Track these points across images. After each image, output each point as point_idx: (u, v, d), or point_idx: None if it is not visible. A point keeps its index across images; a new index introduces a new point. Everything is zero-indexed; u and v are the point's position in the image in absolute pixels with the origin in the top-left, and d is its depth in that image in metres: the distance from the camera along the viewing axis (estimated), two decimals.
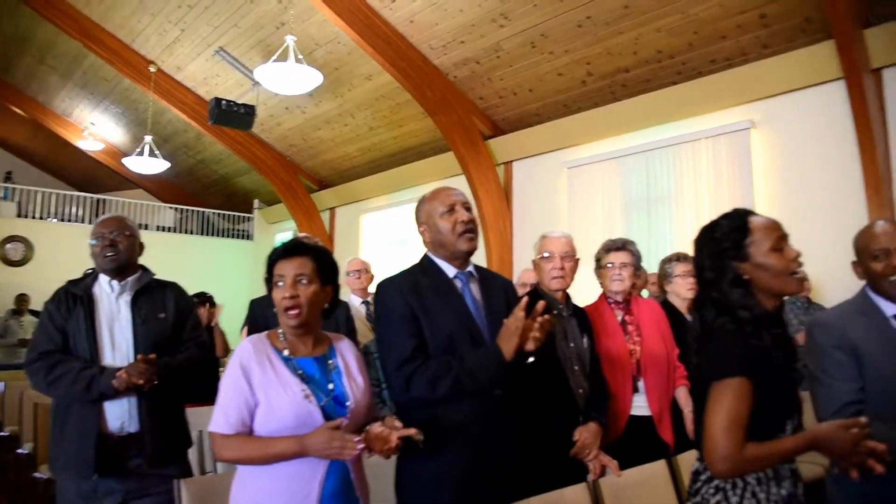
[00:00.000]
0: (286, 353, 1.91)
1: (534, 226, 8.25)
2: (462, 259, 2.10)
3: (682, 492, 2.55)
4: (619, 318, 2.88)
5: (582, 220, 7.69)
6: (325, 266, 1.95)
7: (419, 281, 2.08)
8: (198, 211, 13.44)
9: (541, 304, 1.89)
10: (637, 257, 2.96)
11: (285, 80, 6.63)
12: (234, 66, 8.98)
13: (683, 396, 2.86)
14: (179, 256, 11.41)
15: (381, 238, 10.50)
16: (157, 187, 14.19)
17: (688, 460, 2.63)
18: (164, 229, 13.30)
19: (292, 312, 1.86)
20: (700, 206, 6.73)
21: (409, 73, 7.74)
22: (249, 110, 9.02)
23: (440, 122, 8.10)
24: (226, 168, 12.56)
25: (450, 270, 2.11)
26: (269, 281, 1.94)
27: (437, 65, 7.90)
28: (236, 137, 10.49)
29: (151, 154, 10.05)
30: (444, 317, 2.01)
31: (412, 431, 1.75)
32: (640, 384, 2.74)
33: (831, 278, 5.91)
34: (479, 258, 8.40)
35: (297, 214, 11.45)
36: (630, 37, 6.69)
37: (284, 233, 12.86)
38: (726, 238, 1.58)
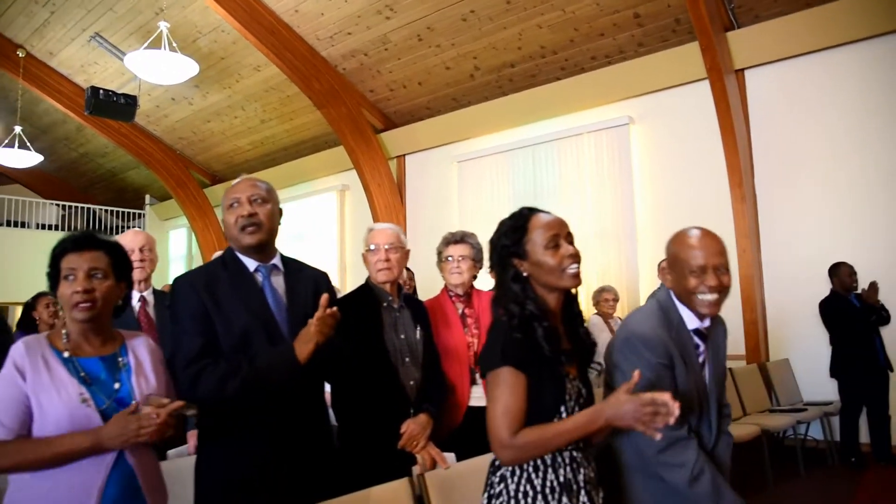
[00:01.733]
0: (66, 353, 1.77)
1: (427, 220, 8.25)
2: (260, 252, 2.02)
3: None
4: (460, 310, 2.86)
5: (472, 214, 7.73)
6: (119, 262, 1.83)
7: (217, 275, 1.98)
8: (84, 207, 12.67)
9: (324, 298, 1.84)
10: (477, 250, 2.95)
11: (158, 69, 6.31)
12: (112, 53, 8.49)
13: None
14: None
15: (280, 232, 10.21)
16: (37, 182, 13.28)
17: None
18: (46, 227, 12.46)
19: (83, 306, 1.73)
20: (584, 199, 6.90)
21: (295, 64, 7.54)
22: (131, 101, 8.52)
23: (329, 115, 7.95)
24: (113, 162, 11.91)
25: (251, 263, 2.02)
26: (54, 275, 1.79)
27: (324, 56, 7.74)
28: (120, 129, 9.95)
29: (22, 146, 9.37)
30: (239, 312, 1.91)
31: (179, 404, 1.66)
32: (479, 376, 2.74)
33: None
34: None
35: (189, 210, 10.99)
36: (513, 32, 6.76)
37: (178, 229, 12.34)
38: (506, 236, 1.60)
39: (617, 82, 6.76)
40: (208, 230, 11.07)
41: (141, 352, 1.87)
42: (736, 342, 5.90)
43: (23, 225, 11.99)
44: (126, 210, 12.91)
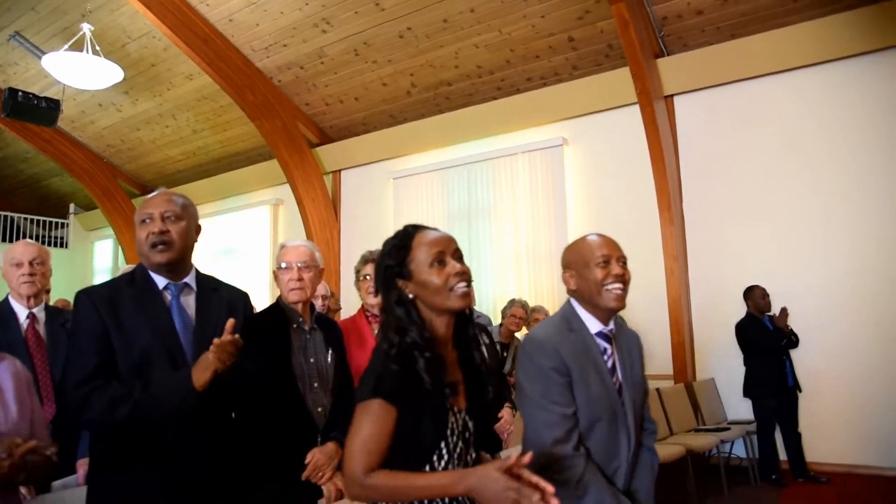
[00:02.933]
0: None
1: (362, 236, 8.13)
2: (172, 270, 1.91)
3: None
4: (376, 331, 2.78)
5: None
6: None
7: (122, 292, 1.87)
8: (3, 215, 11.99)
9: (229, 323, 1.75)
10: None
11: (79, 73, 6.02)
12: (33, 53, 8.09)
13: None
14: None
15: (207, 247, 9.89)
16: None
17: None
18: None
19: None
20: (518, 219, 6.92)
21: (228, 74, 7.35)
22: (53, 104, 8.12)
23: (263, 128, 7.76)
24: (34, 168, 11.34)
25: (160, 281, 1.92)
26: None
27: (259, 67, 7.58)
28: (42, 134, 9.48)
29: None
30: (141, 332, 1.81)
31: (31, 445, 1.52)
32: None
33: (633, 283, 6.26)
34: None
35: (115, 221, 10.54)
36: (450, 50, 6.77)
37: (104, 240, 11.82)
38: (390, 256, 1.50)
39: (551, 104, 6.84)
40: (135, 241, 10.62)
41: (2, 377, 1.72)
42: (664, 362, 6.00)
43: None
44: (49, 219, 12.29)
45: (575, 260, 1.90)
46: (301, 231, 8.27)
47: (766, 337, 5.26)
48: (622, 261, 1.87)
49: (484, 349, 1.63)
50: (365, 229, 8.17)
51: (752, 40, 5.76)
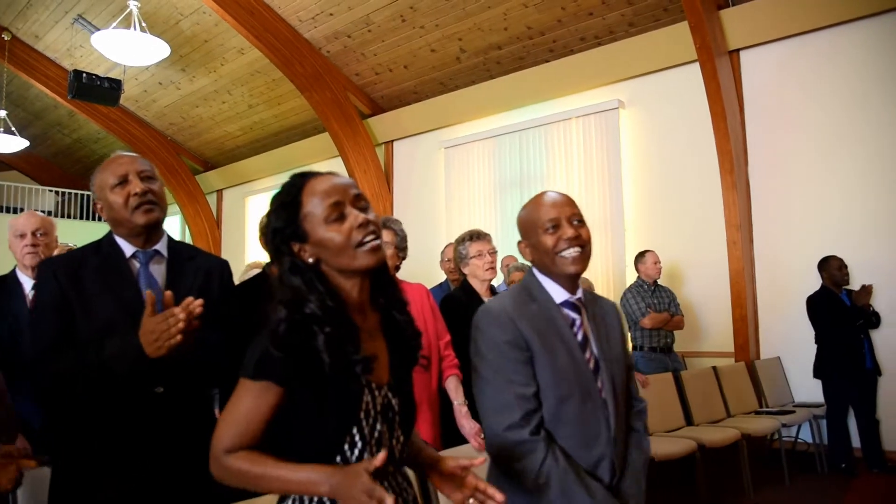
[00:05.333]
0: None
1: (414, 208, 8.00)
2: (144, 235, 1.79)
3: (428, 493, 2.29)
4: None
5: (458, 201, 7.47)
6: None
7: (87, 261, 1.77)
8: (79, 194, 12.58)
9: (168, 295, 1.57)
10: (400, 237, 2.70)
11: (127, 49, 6.11)
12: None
13: (453, 387, 2.62)
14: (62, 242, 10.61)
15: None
16: (32, 168, 13.21)
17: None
18: (43, 213, 12.38)
19: None
20: (570, 186, 6.60)
21: (277, 46, 7.30)
22: (115, 85, 8.34)
23: (312, 100, 7.71)
24: (105, 148, 11.76)
25: (128, 249, 1.80)
26: None
27: (307, 38, 7.49)
28: (110, 115, 9.79)
29: (7, 131, 9.25)
30: (105, 302, 1.71)
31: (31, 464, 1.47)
32: None
33: (692, 254, 5.89)
34: None
35: (180, 197, 10.84)
36: (499, 12, 6.46)
37: (172, 217, 12.20)
38: (277, 216, 1.25)
39: (607, 64, 6.43)
40: (199, 217, 10.92)
41: None
42: (724, 339, 5.61)
43: (19, 210, 11.94)
44: None
45: (526, 228, 1.69)
46: None
47: (841, 313, 4.78)
48: (575, 219, 1.64)
49: (408, 309, 1.37)
50: (417, 201, 8.03)
51: None
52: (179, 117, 9.92)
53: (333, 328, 1.18)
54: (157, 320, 1.54)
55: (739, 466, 4.24)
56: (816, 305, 4.89)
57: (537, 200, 1.69)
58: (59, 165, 13.15)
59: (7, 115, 9.49)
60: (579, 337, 1.63)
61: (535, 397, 1.55)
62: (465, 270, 3.13)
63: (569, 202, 1.67)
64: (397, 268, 2.68)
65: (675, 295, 5.36)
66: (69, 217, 12.44)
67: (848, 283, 4.93)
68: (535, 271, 1.69)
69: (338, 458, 1.19)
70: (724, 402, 4.86)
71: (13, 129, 9.41)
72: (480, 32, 6.77)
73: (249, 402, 1.16)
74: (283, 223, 1.23)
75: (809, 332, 5.00)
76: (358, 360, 1.19)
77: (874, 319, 4.80)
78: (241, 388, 1.17)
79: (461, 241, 3.14)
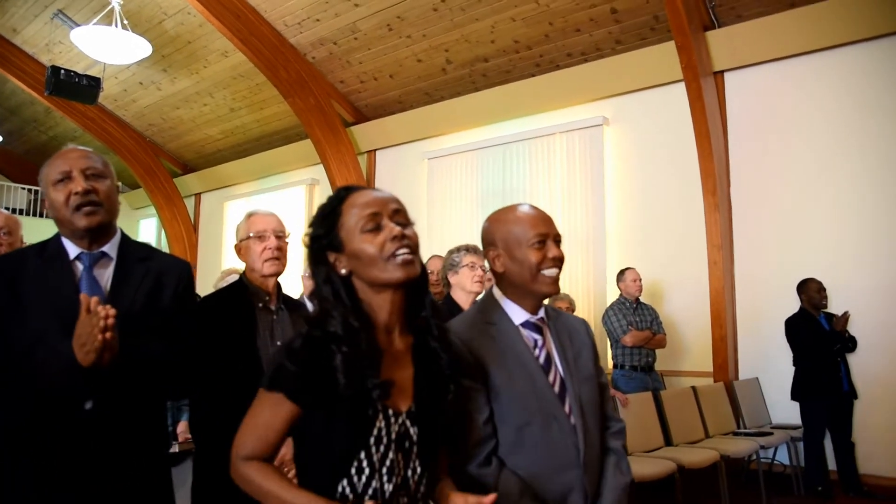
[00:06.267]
0: None
1: None
2: (88, 237, 1.67)
3: None
4: None
5: (440, 213, 7.41)
6: None
7: (28, 263, 1.64)
8: None
9: (92, 301, 1.44)
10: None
11: (107, 47, 5.98)
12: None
13: None
14: (32, 242, 10.35)
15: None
16: (5, 165, 12.91)
17: None
18: (14, 212, 12.09)
19: None
20: (553, 201, 6.58)
21: (261, 50, 7.21)
22: (94, 82, 8.16)
23: (296, 106, 7.62)
24: (83, 146, 11.56)
25: (73, 250, 1.67)
26: None
27: (293, 43, 7.42)
28: (87, 113, 9.60)
29: None
30: (41, 308, 1.57)
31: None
32: None
33: (673, 272, 5.89)
34: None
35: (157, 199, 10.64)
36: (486, 24, 6.45)
37: (149, 219, 11.99)
38: (318, 224, 1.26)
39: (592, 81, 6.44)
40: (176, 220, 10.72)
41: None
42: (704, 358, 5.60)
43: None
44: None
45: (504, 238, 1.57)
46: None
47: (819, 336, 4.80)
48: (558, 239, 1.59)
49: (449, 336, 1.33)
50: None
51: (814, 9, 5.22)
52: (159, 118, 9.75)
53: (352, 348, 1.15)
54: (83, 323, 1.44)
55: (718, 488, 4.21)
56: (795, 328, 4.90)
57: (520, 213, 1.59)
58: (33, 162, 12.83)
59: None
60: (541, 359, 1.54)
61: (485, 425, 1.46)
62: (453, 279, 3.04)
63: (552, 221, 1.62)
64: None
65: (658, 313, 5.35)
66: (42, 216, 12.12)
67: (826, 306, 4.96)
68: (496, 291, 1.61)
69: (344, 482, 1.16)
70: (702, 423, 4.83)
71: None
72: (467, 44, 6.75)
73: (266, 413, 1.18)
74: (323, 231, 1.24)
75: (788, 354, 5.02)
76: (375, 384, 1.15)
77: (850, 345, 4.82)
78: (259, 397, 1.20)
79: (457, 249, 3.05)
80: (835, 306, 5.00)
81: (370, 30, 6.91)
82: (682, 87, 5.61)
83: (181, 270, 1.82)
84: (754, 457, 4.71)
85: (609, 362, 5.33)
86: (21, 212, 12.21)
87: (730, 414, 5.12)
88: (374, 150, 8.25)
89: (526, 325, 1.56)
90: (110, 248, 1.72)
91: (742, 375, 5.55)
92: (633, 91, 6.29)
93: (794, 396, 4.90)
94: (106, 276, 1.69)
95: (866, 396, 4.87)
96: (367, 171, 8.27)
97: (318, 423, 1.15)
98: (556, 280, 1.55)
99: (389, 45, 7.05)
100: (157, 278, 1.74)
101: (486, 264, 3.08)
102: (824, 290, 4.95)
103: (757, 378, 5.48)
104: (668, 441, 4.54)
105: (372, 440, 1.16)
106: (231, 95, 8.69)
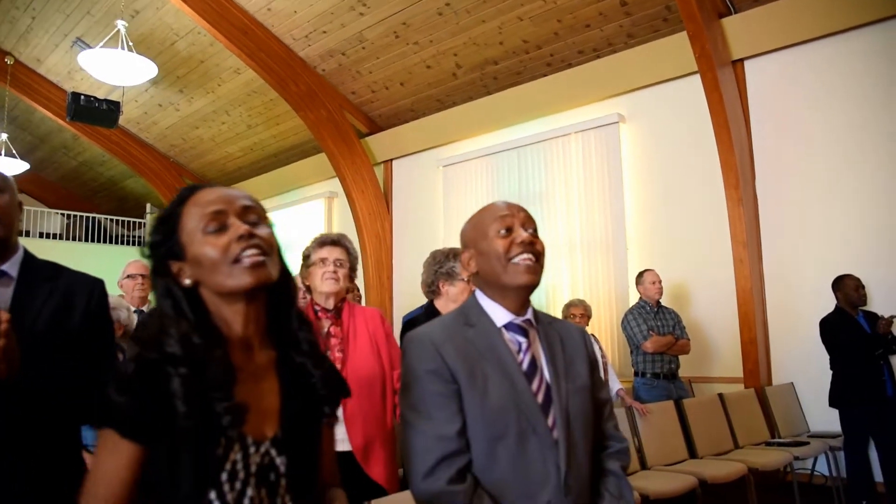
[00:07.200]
0: None
1: (414, 228, 7.80)
2: None
3: None
4: (325, 328, 2.38)
5: (457, 221, 7.19)
6: None
7: None
8: (87, 216, 12.56)
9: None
10: (353, 257, 2.48)
11: (113, 69, 6.01)
12: None
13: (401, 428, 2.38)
14: (68, 265, 10.55)
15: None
16: (40, 191, 13.24)
17: (402, 501, 2.14)
18: (50, 236, 12.38)
19: None
20: (570, 203, 6.35)
21: (270, 66, 7.19)
22: (113, 107, 8.28)
23: (308, 119, 7.57)
24: (111, 171, 11.78)
25: None
26: None
27: (302, 57, 7.37)
28: (111, 137, 9.77)
29: (9, 154, 9.24)
30: None
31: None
32: (339, 411, 2.24)
33: (697, 273, 5.60)
34: None
35: None
36: (493, 25, 6.28)
37: None
38: (155, 231, 1.08)
39: (606, 77, 6.20)
40: None
41: None
42: (734, 363, 5.27)
43: (26, 234, 11.92)
44: (129, 219, 12.78)
45: (472, 236, 1.47)
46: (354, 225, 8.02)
47: (858, 338, 4.42)
48: (530, 227, 1.44)
49: (320, 350, 1.16)
50: (416, 221, 7.82)
51: None
52: (180, 139, 9.85)
53: (192, 369, 0.97)
54: None
55: (746, 503, 3.90)
56: (831, 328, 4.53)
57: (487, 206, 1.50)
58: (65, 188, 13.19)
59: (8, 138, 9.50)
60: (525, 364, 1.39)
61: (459, 437, 1.31)
62: (444, 288, 2.81)
63: (523, 209, 1.48)
64: (347, 290, 2.45)
65: (681, 317, 5.05)
66: (76, 240, 12.40)
67: (865, 304, 4.59)
68: (477, 293, 1.48)
69: None
70: (731, 433, 4.52)
71: (14, 152, 9.40)
72: (476, 47, 6.59)
73: (104, 457, 0.97)
74: (161, 237, 1.06)
75: (825, 357, 4.66)
76: (225, 409, 0.97)
77: (895, 347, 4.45)
78: (99, 440, 0.99)
79: (454, 255, 2.78)
80: (875, 304, 4.64)
81: (377, 38, 6.81)
82: (699, 78, 5.33)
83: (92, 288, 1.69)
84: (789, 468, 4.37)
85: (630, 370, 5.05)
86: (56, 236, 12.50)
87: (762, 422, 4.78)
88: (391, 160, 8.14)
89: (509, 326, 1.42)
90: (10, 266, 1.61)
91: (776, 381, 5.21)
92: (649, 86, 6.03)
93: (832, 403, 4.53)
94: (6, 295, 1.57)
95: None
96: (383, 181, 8.17)
97: (162, 461, 0.97)
98: (530, 268, 1.39)
99: (397, 53, 6.94)
100: (64, 297, 1.62)
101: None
102: (863, 286, 4.57)
103: (792, 383, 5.13)
104: (693, 454, 4.25)
105: (225, 476, 0.98)
106: (247, 112, 8.71)
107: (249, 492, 1.00)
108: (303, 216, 9.12)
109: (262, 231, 1.05)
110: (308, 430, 1.10)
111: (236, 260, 1.01)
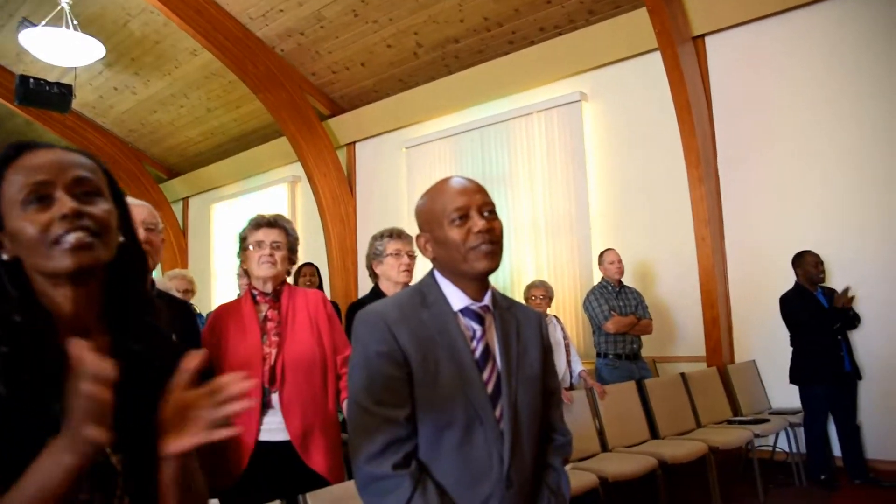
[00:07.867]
0: None
1: (379, 211, 7.66)
2: None
3: None
4: (263, 313, 2.27)
5: None
6: None
7: None
8: None
9: None
10: (292, 238, 2.37)
11: (56, 49, 5.75)
12: None
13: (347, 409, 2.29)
14: None
15: (235, 228, 9.66)
16: None
17: (344, 491, 2.05)
18: None
19: None
20: (534, 183, 6.27)
21: (227, 46, 6.95)
22: (65, 90, 7.95)
23: (267, 101, 7.36)
24: None
25: None
26: None
27: (259, 37, 7.15)
28: (66, 122, 9.43)
29: None
30: None
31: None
32: (275, 398, 2.14)
33: (661, 252, 5.58)
34: (319, 245, 7.74)
35: None
36: (454, 3, 6.14)
37: None
38: None
39: (568, 55, 6.11)
40: (165, 226, 10.54)
41: None
42: (697, 342, 5.26)
43: None
44: None
45: (427, 220, 1.42)
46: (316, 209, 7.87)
47: (817, 314, 4.43)
48: (486, 209, 1.37)
49: (160, 336, 1.04)
50: (381, 204, 7.68)
51: None
52: (139, 123, 9.55)
53: (14, 348, 0.85)
54: None
55: (705, 483, 3.89)
56: (790, 304, 4.54)
57: (441, 187, 1.43)
58: None
59: None
60: (478, 352, 1.35)
61: (407, 422, 1.27)
62: (378, 269, 2.80)
63: (479, 189, 1.41)
64: (288, 272, 2.34)
65: (643, 296, 5.01)
66: None
67: (824, 281, 4.60)
68: (436, 273, 1.42)
69: None
70: (693, 412, 4.51)
71: None
72: (436, 25, 6.44)
73: None
74: None
75: (787, 334, 4.66)
76: (55, 397, 0.83)
77: (856, 323, 4.46)
78: None
79: (379, 236, 2.81)
80: (834, 281, 4.64)
81: (335, 17, 6.62)
82: (659, 55, 5.26)
83: None
84: (750, 446, 4.38)
85: (594, 351, 5.01)
86: None
87: (724, 401, 4.79)
88: (353, 143, 7.98)
89: (466, 312, 1.37)
90: None
91: (739, 359, 5.21)
92: (611, 63, 5.95)
93: (792, 380, 4.55)
94: None
95: (871, 376, 4.52)
96: (346, 164, 8.01)
97: None
98: (489, 254, 1.35)
99: (357, 32, 6.76)
100: None
101: (416, 250, 2.83)
102: (822, 263, 4.58)
103: (754, 361, 5.15)
104: (655, 434, 4.23)
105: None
106: (206, 95, 8.46)
107: (81, 496, 0.86)
108: (267, 201, 8.92)
109: (94, 209, 0.92)
110: (147, 425, 0.95)
111: (56, 241, 0.88)
